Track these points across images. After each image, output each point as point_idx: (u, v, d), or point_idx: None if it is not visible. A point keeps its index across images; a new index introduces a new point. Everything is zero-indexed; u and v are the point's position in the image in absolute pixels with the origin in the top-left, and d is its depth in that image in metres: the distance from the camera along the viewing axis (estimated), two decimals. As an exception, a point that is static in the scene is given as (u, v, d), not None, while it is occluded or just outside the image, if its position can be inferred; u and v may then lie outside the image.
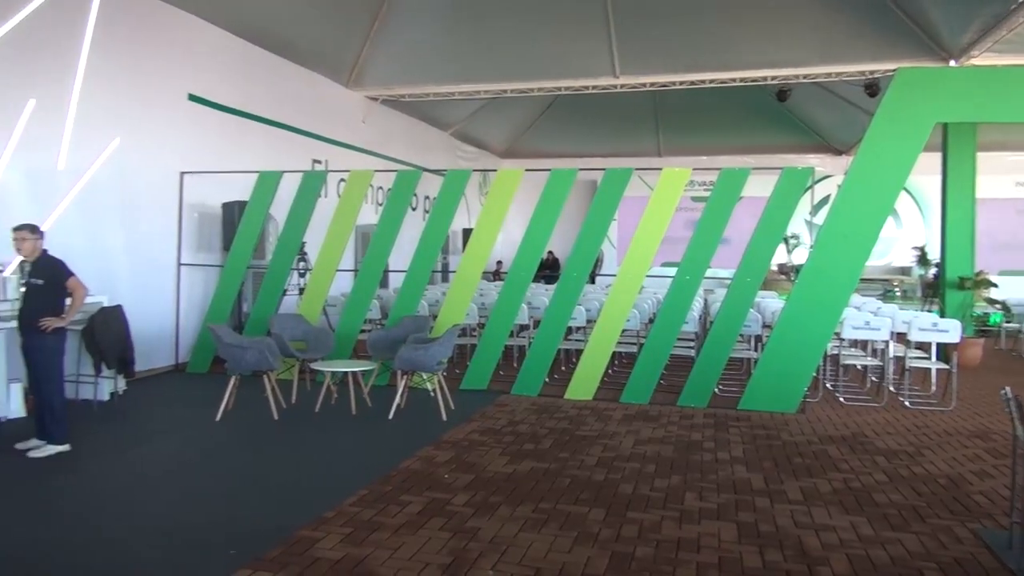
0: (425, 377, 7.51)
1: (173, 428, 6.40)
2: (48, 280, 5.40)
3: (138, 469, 5.29)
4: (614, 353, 8.08)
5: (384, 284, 10.60)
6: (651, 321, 8.74)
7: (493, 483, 4.95)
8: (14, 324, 5.65)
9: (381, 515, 4.33)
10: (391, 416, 6.68)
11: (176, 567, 3.68)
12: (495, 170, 9.05)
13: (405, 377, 6.91)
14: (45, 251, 5.46)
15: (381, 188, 13.42)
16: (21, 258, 5.52)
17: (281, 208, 8.94)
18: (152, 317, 8.50)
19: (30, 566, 3.64)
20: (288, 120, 11.08)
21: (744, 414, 7.11)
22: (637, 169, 8.17)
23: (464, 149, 18.27)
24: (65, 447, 5.48)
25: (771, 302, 9.52)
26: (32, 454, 5.36)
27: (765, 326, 8.32)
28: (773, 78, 12.37)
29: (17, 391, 6.50)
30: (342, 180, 10.94)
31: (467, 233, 15.36)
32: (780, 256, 17.89)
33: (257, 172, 9.01)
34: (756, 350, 8.25)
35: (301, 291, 9.38)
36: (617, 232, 18.75)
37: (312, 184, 8.84)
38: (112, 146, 7.84)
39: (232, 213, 9.28)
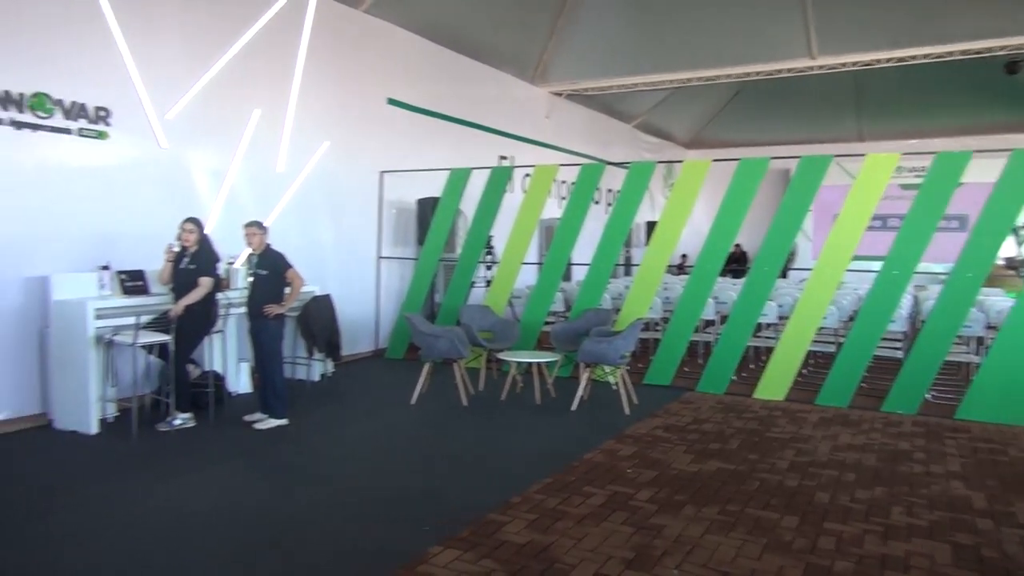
0: (608, 370, 7.50)
1: (374, 409, 6.90)
2: (272, 271, 6.01)
3: (345, 444, 5.77)
4: (809, 352, 7.60)
5: (567, 277, 10.71)
6: (851, 319, 8.12)
7: (677, 481, 4.85)
8: (243, 310, 6.35)
9: (565, 504, 4.39)
10: (574, 408, 6.75)
11: (376, 538, 3.96)
12: (680, 161, 8.81)
13: (588, 370, 6.95)
14: (269, 245, 6.09)
15: (564, 182, 13.56)
16: (250, 251, 6.20)
17: (470, 203, 9.32)
18: (355, 306, 9.19)
19: (250, 521, 4.09)
20: (476, 118, 11.50)
21: (962, 424, 6.41)
22: (836, 156, 7.61)
23: (647, 141, 17.99)
24: (284, 421, 6.09)
25: (997, 300, 8.48)
26: (257, 426, 6.01)
27: (989, 327, 7.43)
28: (1001, 48, 10.97)
29: (245, 369, 7.31)
30: (527, 175, 11.20)
31: (651, 226, 15.13)
32: (1008, 249, 15.89)
33: (448, 169, 9.46)
34: (977, 353, 7.41)
35: (488, 283, 9.72)
36: (812, 224, 17.59)
37: (499, 179, 9.12)
38: (322, 149, 8.61)
39: (426, 209, 9.81)
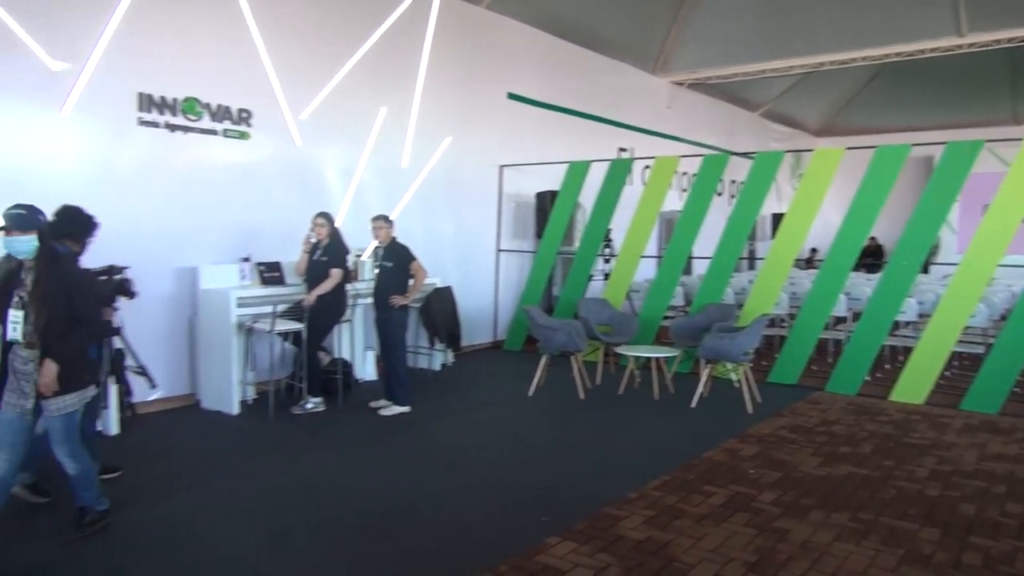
0: (730, 367, 7.28)
1: (493, 399, 7.02)
2: (397, 263, 6.23)
3: (464, 433, 5.91)
4: (953, 353, 7.07)
5: (688, 271, 10.47)
6: (1003, 318, 7.48)
7: (804, 484, 4.64)
8: (369, 301, 6.62)
9: (684, 503, 4.31)
10: (693, 404, 6.60)
11: (494, 525, 4.04)
12: (810, 150, 8.40)
13: (709, 366, 6.77)
14: (395, 238, 6.31)
15: (686, 174, 13.24)
16: (376, 243, 6.45)
17: (589, 196, 9.28)
18: (475, 298, 9.37)
19: (373, 502, 4.26)
20: (595, 111, 11.42)
21: None
22: (988, 141, 7.02)
23: (774, 129, 17.24)
24: (407, 408, 6.31)
25: None
26: (381, 412, 6.26)
27: None
28: None
29: (370, 358, 7.62)
30: (647, 167, 11.01)
31: (777, 218, 14.52)
32: None
33: (567, 162, 9.45)
34: None
35: (606, 276, 9.66)
36: (958, 215, 16.29)
37: (618, 172, 9.03)
38: (444, 144, 8.81)
39: (544, 202, 9.85)
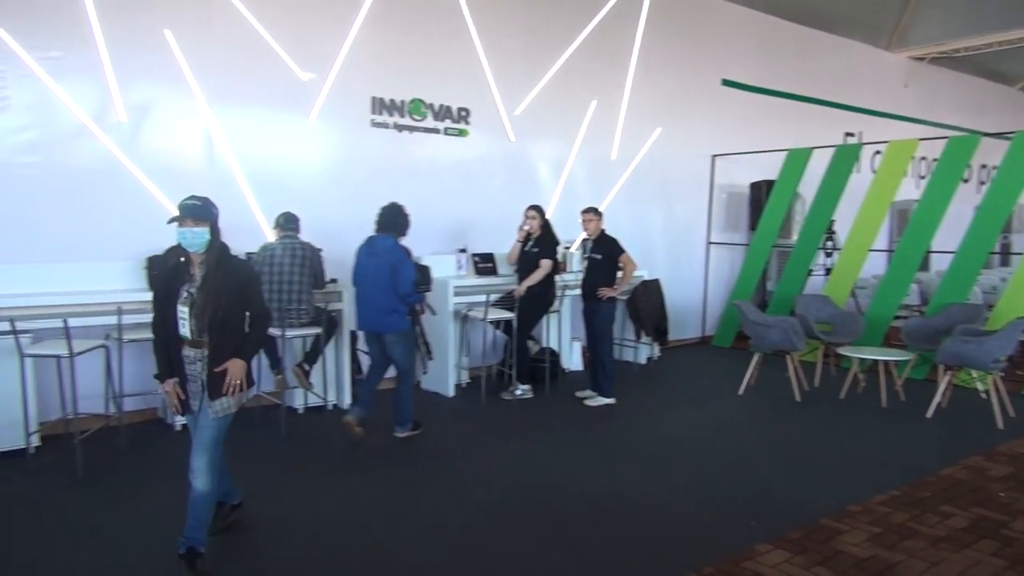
0: (975, 375, 6.48)
1: (700, 396, 6.83)
2: (606, 255, 6.26)
3: (670, 428, 5.82)
4: None
5: (924, 266, 9.45)
6: None
7: (1070, 514, 4.03)
8: (577, 292, 6.71)
9: (916, 522, 3.91)
10: (929, 415, 5.96)
11: (699, 524, 3.93)
12: (1086, 127, 7.20)
13: (949, 373, 6.07)
14: (604, 230, 6.34)
15: (924, 159, 11.94)
16: (585, 236, 6.52)
17: (809, 186, 8.69)
18: (683, 291, 9.16)
19: (577, 491, 4.32)
20: (818, 93, 10.63)
21: None
22: None
23: (1037, 105, 15.00)
24: (612, 400, 6.33)
25: None
26: (587, 402, 6.33)
27: None
28: None
29: (577, 348, 7.73)
30: (877, 152, 10.09)
31: (1038, 207, 12.63)
32: None
33: (786, 150, 8.91)
34: None
35: (828, 271, 9.00)
36: None
37: (844, 159, 8.36)
38: (654, 135, 8.69)
39: (759, 192, 9.38)
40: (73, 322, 4.52)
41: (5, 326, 4.41)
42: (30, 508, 3.98)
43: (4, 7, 4.84)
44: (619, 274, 6.30)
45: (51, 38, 5.03)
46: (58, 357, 4.54)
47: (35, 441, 4.75)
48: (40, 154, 5.07)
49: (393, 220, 5.12)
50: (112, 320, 4.80)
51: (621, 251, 6.26)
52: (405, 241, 5.20)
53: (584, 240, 6.64)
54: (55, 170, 5.12)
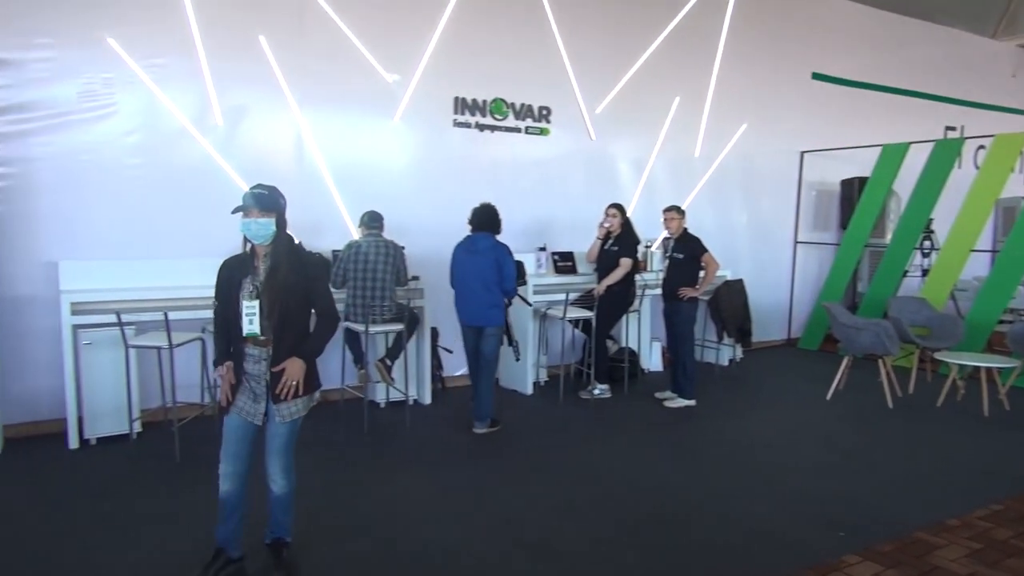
0: (1089, 385, 6.05)
1: (784, 399, 6.63)
2: (688, 254, 6.15)
3: (752, 432, 5.66)
4: None
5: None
6: None
7: None
8: (657, 291, 6.61)
9: (1022, 539, 3.68)
10: (1037, 426, 5.61)
11: (784, 531, 3.81)
12: None
13: (1059, 382, 5.69)
14: (686, 229, 6.23)
15: (1034, 153, 11.21)
16: (667, 234, 6.42)
17: (905, 183, 8.30)
18: (768, 292, 8.89)
19: (655, 493, 4.27)
20: (915, 86, 10.13)
21: None
22: None
23: None
24: (692, 402, 6.22)
25: None
26: (667, 404, 6.24)
27: None
28: None
29: (656, 348, 7.63)
30: (981, 147, 9.54)
31: None
32: None
33: (880, 145, 8.54)
34: None
35: (925, 273, 8.57)
36: None
37: (945, 154, 7.94)
38: (739, 132, 8.48)
39: (851, 190, 9.02)
40: (172, 315, 4.77)
41: (112, 318, 4.70)
42: (132, 489, 4.23)
43: (115, 19, 5.15)
44: (701, 274, 6.18)
45: (156, 47, 5.32)
46: (159, 348, 4.81)
47: (137, 427, 5.04)
48: (144, 156, 5.37)
49: (491, 219, 5.40)
50: (208, 314, 5.00)
51: (704, 250, 6.13)
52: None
53: (665, 239, 6.54)
54: (157, 171, 5.41)
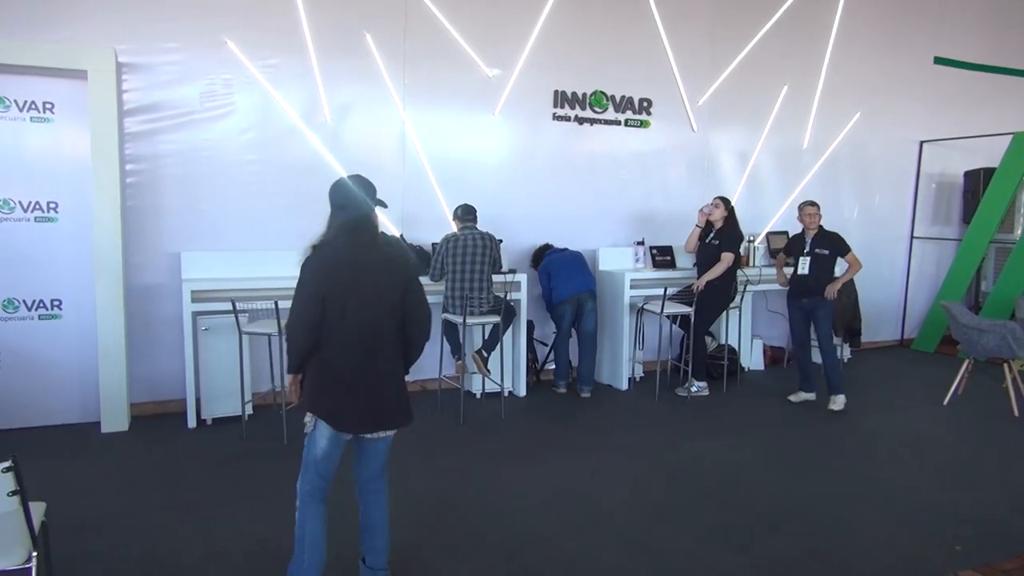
0: None
1: (896, 403, 6.29)
2: (832, 251, 5.94)
3: (861, 436, 5.40)
4: None
5: None
6: None
7: None
8: (759, 288, 6.39)
9: None
10: None
11: (894, 545, 3.62)
12: None
13: None
14: (822, 225, 5.99)
15: None
16: (807, 229, 6.09)
17: (1039, 174, 7.70)
18: (880, 289, 8.46)
19: (751, 497, 4.14)
20: (1055, 68, 9.36)
21: None
22: None
23: None
24: (811, 396, 6.14)
25: None
26: (832, 407, 5.96)
27: None
28: None
29: (757, 346, 7.39)
30: None
31: None
32: None
33: (1010, 134, 7.94)
34: None
35: (1059, 271, 7.92)
36: None
37: (1085, 142, 7.31)
38: (852, 120, 8.08)
39: (976, 182, 8.44)
40: (283, 304, 4.99)
41: (227, 306, 4.98)
42: (244, 468, 4.48)
43: (233, 23, 5.43)
44: (837, 271, 5.99)
45: (270, 48, 5.58)
46: (269, 335, 5.07)
47: (249, 410, 5.33)
48: (259, 152, 5.65)
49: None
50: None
51: (848, 248, 5.95)
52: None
53: (795, 235, 6.25)
54: (270, 167, 5.68)
